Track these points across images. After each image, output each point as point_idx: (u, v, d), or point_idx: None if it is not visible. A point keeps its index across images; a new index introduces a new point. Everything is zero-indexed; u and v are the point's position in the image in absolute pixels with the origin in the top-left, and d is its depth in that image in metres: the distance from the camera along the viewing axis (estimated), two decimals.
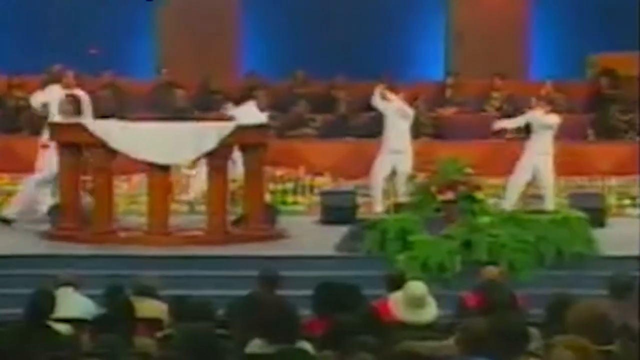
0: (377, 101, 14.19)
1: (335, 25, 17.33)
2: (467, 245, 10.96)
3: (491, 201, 13.22)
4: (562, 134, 14.79)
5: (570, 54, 17.29)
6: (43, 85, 14.28)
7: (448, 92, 16.97)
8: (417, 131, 15.83)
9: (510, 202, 13.67)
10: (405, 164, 13.93)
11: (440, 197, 11.62)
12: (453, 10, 18.00)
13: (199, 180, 13.54)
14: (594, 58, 17.46)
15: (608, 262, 10.79)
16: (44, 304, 7.54)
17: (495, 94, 16.67)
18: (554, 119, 13.95)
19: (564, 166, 14.55)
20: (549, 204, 13.49)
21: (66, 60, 15.90)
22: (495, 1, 17.95)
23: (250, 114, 13.43)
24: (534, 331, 6.95)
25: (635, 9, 16.44)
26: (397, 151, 13.96)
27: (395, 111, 14.07)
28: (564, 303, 7.19)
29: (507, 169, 14.47)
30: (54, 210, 12.55)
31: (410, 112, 14.20)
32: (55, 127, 12.76)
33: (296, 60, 16.82)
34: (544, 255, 11.05)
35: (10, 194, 14.46)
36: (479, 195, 11.89)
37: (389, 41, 17.56)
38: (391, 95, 14.22)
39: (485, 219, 11.32)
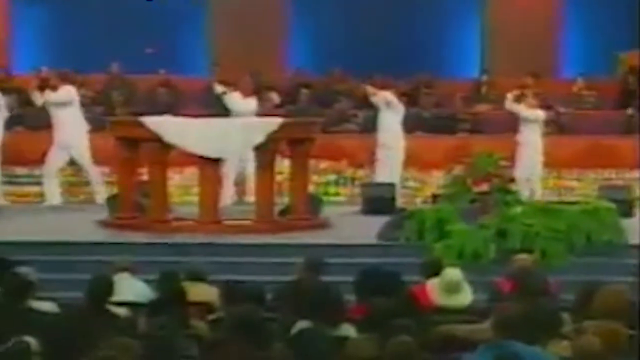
0: (370, 97, 14.41)
1: (376, 25, 17.29)
2: (501, 234, 10.91)
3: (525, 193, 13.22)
4: (592, 129, 14.74)
5: (601, 52, 17.16)
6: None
7: (483, 90, 16.91)
8: (454, 126, 15.86)
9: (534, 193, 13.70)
10: (398, 158, 14.09)
11: (476, 189, 11.58)
12: (488, 10, 17.91)
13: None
14: (623, 56, 17.33)
15: (635, 250, 10.71)
16: (102, 288, 7.60)
17: (528, 92, 16.54)
18: (533, 114, 14.03)
19: (594, 159, 14.47)
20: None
21: (125, 60, 16.04)
22: (528, 1, 17.83)
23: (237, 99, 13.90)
24: (565, 316, 6.91)
25: None
26: (389, 147, 14.01)
27: (382, 103, 14.12)
28: (594, 289, 7.15)
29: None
30: (111, 200, 12.63)
31: (401, 107, 14.22)
32: (114, 123, 12.85)
33: (338, 59, 16.81)
34: (574, 243, 10.97)
35: (73, 184, 14.61)
36: (512, 187, 11.87)
37: (426, 41, 17.51)
38: (378, 91, 14.30)
39: (518, 209, 11.26)
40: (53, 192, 14.11)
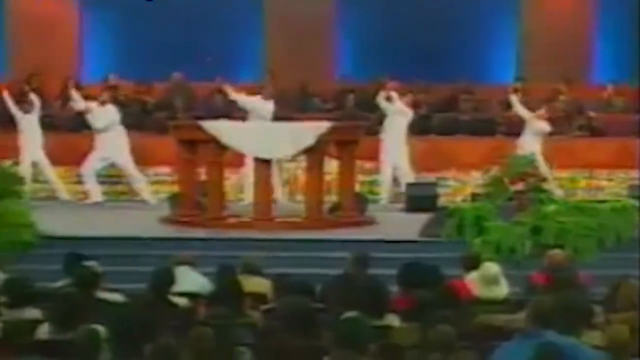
0: (380, 101, 14.44)
1: (417, 34, 17.23)
2: (536, 230, 10.86)
3: (558, 191, 13.13)
4: (621, 132, 14.63)
5: (630, 59, 16.99)
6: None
7: (519, 95, 16.79)
8: (491, 129, 15.80)
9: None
10: (405, 159, 14.26)
11: (512, 188, 11.55)
12: (523, 20, 17.81)
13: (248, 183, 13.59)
14: None
15: None
16: (165, 280, 7.64)
17: (561, 97, 16.47)
18: (540, 125, 14.25)
19: (623, 160, 14.36)
20: None
21: (185, 68, 16.12)
22: (561, 10, 17.70)
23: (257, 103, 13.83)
24: (596, 307, 6.88)
25: None
26: (395, 149, 14.08)
27: (397, 112, 14.18)
28: (620, 283, 7.13)
29: (571, 163, 14.36)
30: (173, 198, 12.70)
31: (410, 113, 14.31)
32: (175, 127, 12.93)
33: (382, 66, 16.78)
34: (604, 239, 10.91)
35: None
36: (546, 186, 11.81)
37: (465, 49, 17.44)
38: (395, 97, 14.29)
39: (552, 207, 11.20)
40: (95, 190, 14.17)
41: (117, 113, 14.18)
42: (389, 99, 14.40)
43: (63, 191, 14.46)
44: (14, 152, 14.16)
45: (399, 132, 14.37)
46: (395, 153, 14.38)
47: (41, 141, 14.32)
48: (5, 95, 14.46)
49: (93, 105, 14.15)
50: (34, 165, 14.24)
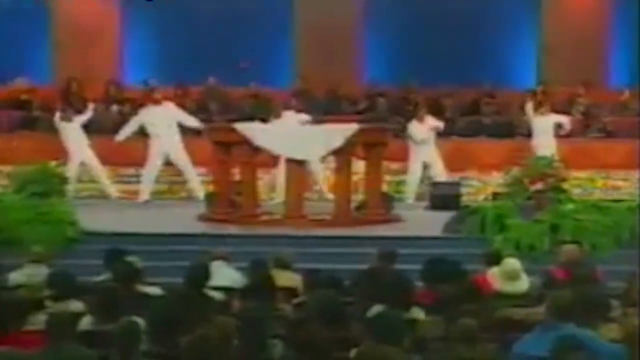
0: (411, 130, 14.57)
1: (442, 41, 17.18)
2: (554, 228, 10.80)
3: (575, 191, 13.06)
4: (634, 135, 14.54)
5: None
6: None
7: (540, 98, 16.72)
8: (512, 132, 15.73)
9: None
10: (437, 159, 14.32)
11: (532, 187, 11.49)
12: (543, 28, 17.73)
13: (279, 183, 13.58)
14: None
15: None
16: (200, 274, 7.65)
17: (580, 100, 16.38)
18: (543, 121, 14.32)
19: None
20: None
21: (220, 74, 16.14)
22: (579, 18, 17.60)
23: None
24: (613, 302, 6.83)
25: None
26: (424, 149, 14.31)
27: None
28: (635, 278, 7.09)
29: (589, 164, 14.27)
30: (209, 197, 12.73)
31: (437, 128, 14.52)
32: (211, 129, 12.95)
33: (409, 71, 16.76)
34: (620, 237, 10.85)
35: (174, 183, 14.73)
36: (565, 185, 11.75)
37: (488, 55, 17.37)
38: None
39: (570, 206, 11.15)
40: (147, 190, 14.21)
41: (175, 110, 14.16)
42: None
43: (111, 189, 14.50)
44: (62, 153, 14.21)
45: (430, 142, 14.33)
46: (424, 153, 14.32)
47: (88, 142, 14.37)
48: (91, 106, 14.58)
49: (148, 106, 14.16)
50: (82, 165, 14.29)
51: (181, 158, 14.19)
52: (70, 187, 13.67)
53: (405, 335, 6.00)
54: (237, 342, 5.90)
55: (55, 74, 17.23)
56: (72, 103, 15.69)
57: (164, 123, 14.06)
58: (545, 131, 14.46)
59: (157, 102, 14.15)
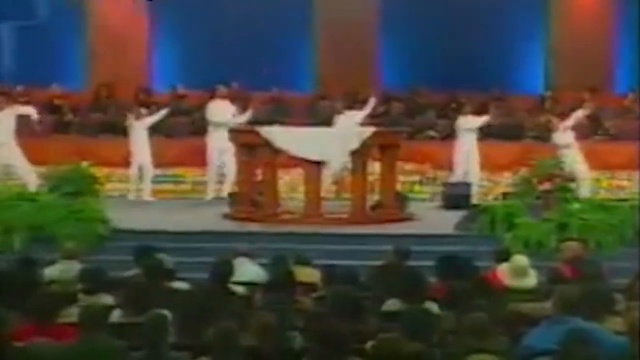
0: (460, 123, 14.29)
1: (454, 47, 17.13)
2: (562, 226, 10.77)
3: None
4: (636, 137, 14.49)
5: None
6: None
7: (547, 103, 16.66)
8: (520, 134, 15.69)
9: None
10: (475, 162, 14.02)
11: (540, 187, 11.47)
12: (551, 35, 17.69)
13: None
14: None
15: None
16: (224, 270, 7.66)
17: (586, 105, 16.30)
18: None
19: None
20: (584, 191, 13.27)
21: (244, 79, 16.14)
22: (585, 25, 17.51)
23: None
24: (618, 296, 6.81)
25: None
26: (467, 151, 13.98)
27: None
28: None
29: (594, 165, 14.19)
30: (233, 197, 12.74)
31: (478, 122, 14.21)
32: (235, 132, 12.95)
33: (423, 77, 16.74)
34: (624, 235, 10.80)
35: (199, 183, 14.74)
36: (572, 185, 11.72)
37: (499, 61, 17.32)
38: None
39: (576, 206, 11.11)
40: (210, 190, 14.15)
41: (231, 107, 14.04)
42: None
43: (148, 193, 14.36)
44: (91, 155, 14.25)
45: (471, 138, 14.16)
46: (466, 156, 14.13)
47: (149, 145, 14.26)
48: (163, 111, 14.52)
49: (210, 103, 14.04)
50: (140, 168, 14.27)
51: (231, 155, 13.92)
52: (132, 187, 13.87)
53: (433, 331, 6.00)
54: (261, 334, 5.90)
55: (88, 81, 17.33)
56: (105, 108, 15.75)
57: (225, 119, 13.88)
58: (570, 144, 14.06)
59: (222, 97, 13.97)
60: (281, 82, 16.38)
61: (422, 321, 5.95)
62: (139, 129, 14.15)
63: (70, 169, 12.42)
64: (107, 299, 7.13)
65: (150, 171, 14.21)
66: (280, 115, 15.09)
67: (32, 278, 7.65)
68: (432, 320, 6.07)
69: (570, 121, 13.94)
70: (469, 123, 14.15)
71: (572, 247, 8.97)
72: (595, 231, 10.68)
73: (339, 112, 14.35)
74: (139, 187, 14.12)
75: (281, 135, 11.97)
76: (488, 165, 14.76)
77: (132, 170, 13.99)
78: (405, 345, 5.58)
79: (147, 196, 14.16)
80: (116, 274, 8.09)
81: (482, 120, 14.23)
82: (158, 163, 14.40)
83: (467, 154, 14.10)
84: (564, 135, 13.78)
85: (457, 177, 14.09)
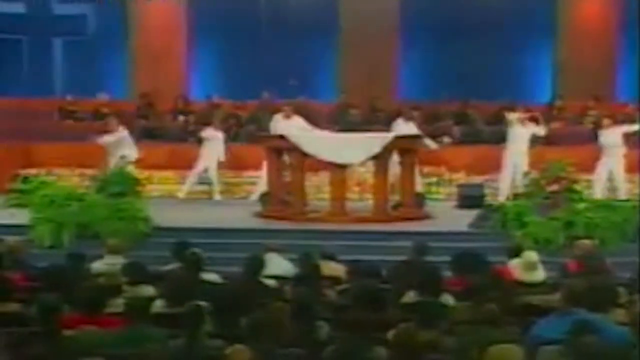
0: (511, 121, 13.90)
1: (468, 58, 17.09)
2: (569, 224, 10.72)
3: (587, 191, 12.92)
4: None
5: None
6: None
7: (555, 111, 16.60)
8: (533, 140, 15.59)
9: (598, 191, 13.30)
10: (524, 166, 13.56)
11: (548, 188, 11.42)
12: (559, 47, 17.62)
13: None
14: None
15: None
16: (256, 265, 7.68)
17: (590, 112, 16.24)
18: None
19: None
20: (620, 193, 13.13)
21: (273, 89, 16.17)
22: (591, 39, 17.43)
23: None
24: (621, 289, 6.78)
25: None
26: (517, 153, 13.73)
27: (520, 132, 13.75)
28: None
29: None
30: (264, 197, 12.76)
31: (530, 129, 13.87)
32: (264, 137, 12.98)
33: (440, 86, 16.69)
34: (626, 232, 10.74)
35: (232, 184, 14.75)
36: (578, 187, 11.67)
37: (510, 72, 17.28)
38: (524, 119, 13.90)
39: (582, 205, 11.06)
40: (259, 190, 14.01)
41: (303, 122, 13.72)
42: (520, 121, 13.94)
43: (217, 193, 14.41)
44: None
45: (522, 142, 13.93)
46: (516, 160, 13.83)
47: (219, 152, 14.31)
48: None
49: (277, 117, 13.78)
50: (205, 170, 14.27)
51: None
52: (185, 188, 13.98)
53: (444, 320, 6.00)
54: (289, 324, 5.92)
55: (131, 90, 17.45)
56: (146, 115, 15.78)
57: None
58: (616, 144, 13.80)
59: (287, 116, 13.76)
60: (309, 91, 16.40)
61: (435, 312, 5.95)
62: (214, 139, 14.25)
63: (115, 172, 12.48)
64: (149, 291, 7.17)
65: (214, 173, 14.28)
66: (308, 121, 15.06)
67: (81, 272, 7.73)
68: (443, 311, 6.07)
69: (624, 128, 13.80)
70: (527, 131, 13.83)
71: (584, 245, 8.96)
72: (600, 228, 10.63)
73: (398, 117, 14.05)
74: (214, 188, 14.31)
75: (308, 140, 11.98)
76: (500, 168, 14.67)
77: (196, 172, 14.15)
78: (422, 334, 5.58)
79: (217, 196, 14.32)
80: (156, 267, 8.12)
81: (537, 129, 13.96)
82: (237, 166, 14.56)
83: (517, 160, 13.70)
84: (614, 138, 13.62)
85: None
